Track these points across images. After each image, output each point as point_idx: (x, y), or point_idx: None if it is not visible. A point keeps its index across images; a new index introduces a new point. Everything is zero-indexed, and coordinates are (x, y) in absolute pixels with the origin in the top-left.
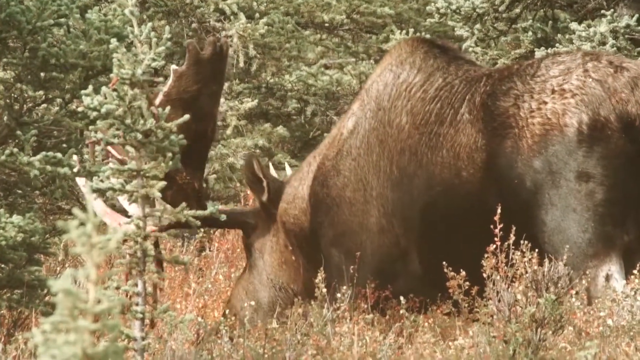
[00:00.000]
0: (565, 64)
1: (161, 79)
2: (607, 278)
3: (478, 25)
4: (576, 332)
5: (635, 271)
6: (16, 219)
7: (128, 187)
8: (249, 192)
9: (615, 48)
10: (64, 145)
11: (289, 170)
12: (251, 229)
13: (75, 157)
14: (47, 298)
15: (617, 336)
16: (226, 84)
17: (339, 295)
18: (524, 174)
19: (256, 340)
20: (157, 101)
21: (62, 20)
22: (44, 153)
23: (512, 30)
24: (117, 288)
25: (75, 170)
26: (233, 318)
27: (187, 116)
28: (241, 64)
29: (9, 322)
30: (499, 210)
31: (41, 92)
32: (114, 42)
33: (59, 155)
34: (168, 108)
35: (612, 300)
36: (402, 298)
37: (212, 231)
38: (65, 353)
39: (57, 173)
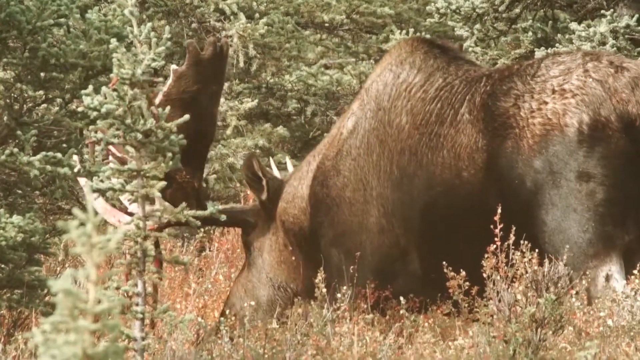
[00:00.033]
0: (565, 64)
1: (161, 79)
2: (608, 278)
3: (478, 25)
4: (576, 332)
5: (635, 271)
6: (16, 219)
7: (128, 187)
8: (249, 192)
9: (615, 48)
10: (64, 145)
11: (290, 168)
12: (250, 227)
13: (75, 157)
14: (47, 298)
15: (617, 336)
16: (226, 84)
17: (338, 295)
18: (524, 174)
19: (256, 340)
20: (157, 101)
21: (62, 20)
22: (44, 153)
23: (512, 31)
24: (117, 288)
25: (76, 170)
26: (232, 317)
27: (187, 116)
28: (241, 64)
29: (9, 322)
30: (499, 211)
31: (41, 92)
32: (113, 42)
33: (59, 155)
34: (168, 108)
35: (612, 300)
36: (402, 298)
37: (212, 231)
38: (65, 353)
39: (57, 173)
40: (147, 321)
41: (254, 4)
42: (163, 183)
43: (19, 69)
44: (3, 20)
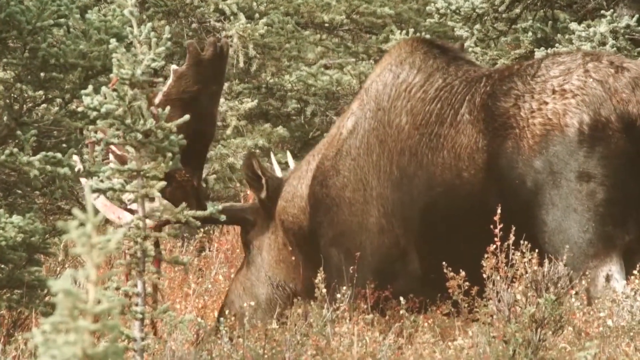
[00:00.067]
0: (565, 64)
1: (161, 79)
2: (608, 278)
3: (478, 26)
4: (576, 332)
5: (635, 271)
6: (16, 219)
7: (128, 187)
8: (249, 192)
9: (615, 48)
10: (64, 145)
11: (291, 163)
12: (250, 225)
13: (76, 158)
14: (47, 298)
15: (617, 337)
16: (226, 84)
17: (338, 295)
18: (524, 174)
19: (256, 340)
20: (157, 101)
21: (62, 20)
22: (43, 153)
23: (512, 31)
24: (117, 288)
25: (77, 169)
26: (232, 317)
27: (187, 116)
28: (241, 64)
29: (9, 323)
30: (499, 211)
31: (41, 92)
32: (113, 42)
33: (58, 155)
34: (168, 108)
35: (612, 300)
36: (401, 298)
37: (212, 232)
38: (65, 353)
39: (57, 173)
40: (146, 322)
41: (254, 4)
42: (163, 183)
43: (18, 69)
44: (3, 20)
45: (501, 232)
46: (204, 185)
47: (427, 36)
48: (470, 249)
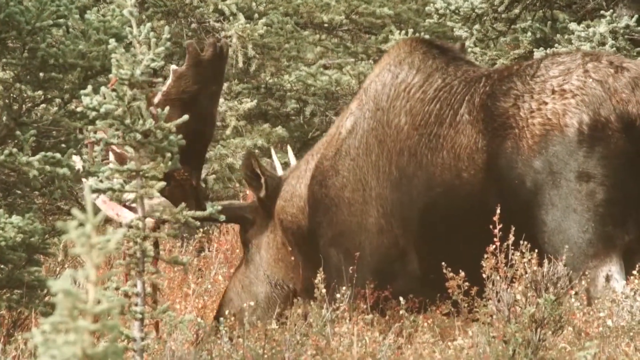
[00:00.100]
0: (565, 64)
1: (160, 79)
2: (607, 278)
3: (477, 26)
4: (576, 332)
5: (635, 272)
6: (15, 219)
7: (127, 188)
8: (248, 192)
9: (614, 48)
10: (63, 145)
11: (292, 160)
12: (249, 224)
13: (76, 158)
14: (46, 298)
15: (616, 336)
16: (225, 84)
17: (338, 295)
18: (524, 175)
19: (256, 340)
20: (156, 101)
21: (61, 20)
22: (43, 153)
23: (511, 31)
24: (117, 288)
25: (77, 169)
26: (230, 315)
27: (186, 116)
28: (240, 65)
29: (9, 323)
30: (498, 211)
31: (40, 92)
32: (112, 42)
33: (58, 155)
34: (167, 108)
35: (612, 300)
36: (401, 298)
37: (211, 232)
38: (64, 353)
39: (57, 173)
40: (146, 322)
41: (253, 4)
42: (162, 183)
43: (18, 69)
44: (2, 20)
45: (501, 232)
46: (204, 185)
47: (426, 36)
48: (470, 249)
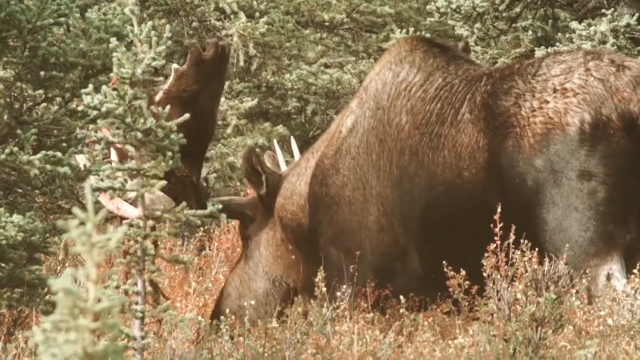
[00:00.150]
0: (566, 62)
1: (161, 78)
2: (608, 277)
3: (478, 24)
4: (576, 331)
5: (635, 270)
6: (16, 218)
7: (128, 186)
8: (248, 190)
9: (615, 47)
10: (64, 144)
11: (296, 154)
12: (249, 220)
13: (78, 157)
14: (47, 297)
15: (617, 335)
16: (226, 83)
17: (338, 294)
18: (525, 173)
19: (256, 339)
20: (157, 99)
21: (62, 19)
22: (43, 152)
23: (512, 30)
24: (117, 287)
25: (80, 167)
26: (230, 314)
27: (187, 115)
28: (241, 63)
29: (9, 321)
30: (499, 209)
31: (41, 91)
32: (113, 41)
33: (58, 154)
34: (168, 107)
35: (613, 299)
36: (402, 297)
37: (212, 230)
38: (65, 352)
39: (57, 172)
40: (152, 320)
41: (254, 3)
42: (163, 182)
43: (19, 67)
44: (3, 19)
45: (502, 231)
46: (205, 184)
47: (427, 35)
48: (471, 248)
